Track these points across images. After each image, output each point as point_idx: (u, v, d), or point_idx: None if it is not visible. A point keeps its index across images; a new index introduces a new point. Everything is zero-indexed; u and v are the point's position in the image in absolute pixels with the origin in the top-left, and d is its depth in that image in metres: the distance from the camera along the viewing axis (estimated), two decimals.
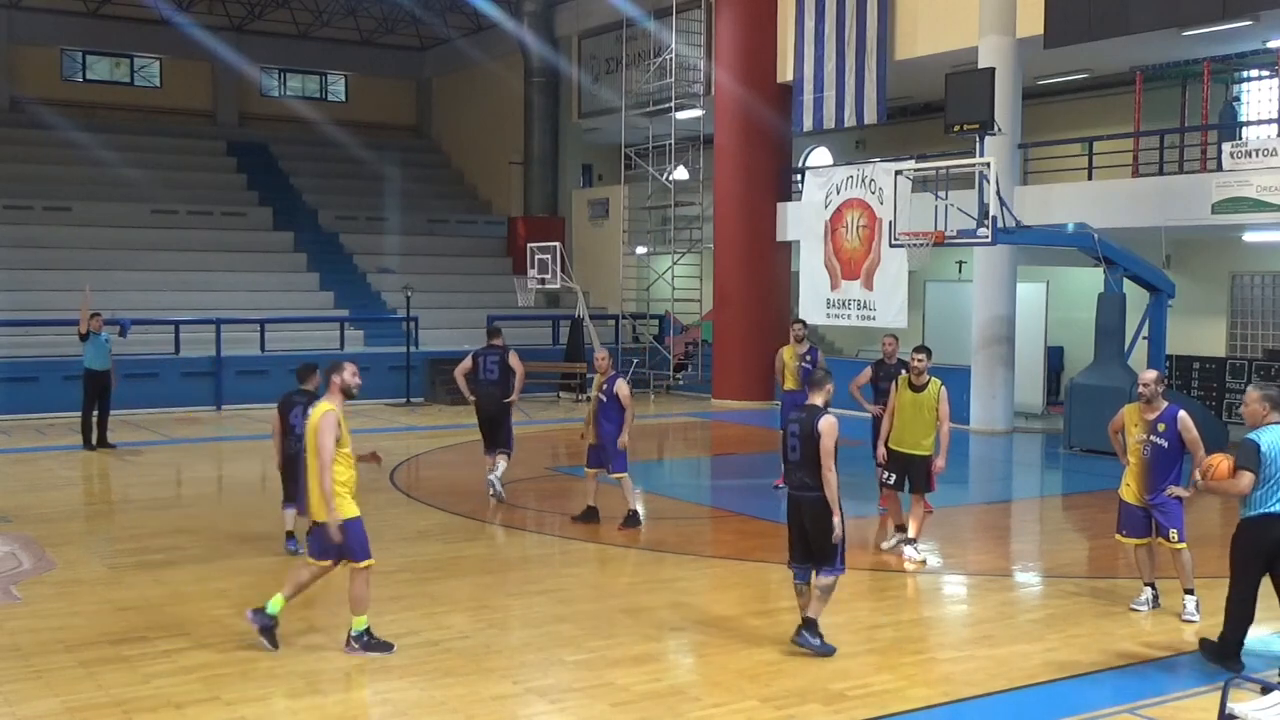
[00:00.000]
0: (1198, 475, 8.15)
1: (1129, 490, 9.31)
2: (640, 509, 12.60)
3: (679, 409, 24.17)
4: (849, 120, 22.62)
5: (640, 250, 28.65)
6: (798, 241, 23.18)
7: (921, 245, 17.37)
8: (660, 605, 9.55)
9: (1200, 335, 22.22)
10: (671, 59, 26.15)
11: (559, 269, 24.05)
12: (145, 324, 22.03)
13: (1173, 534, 9.13)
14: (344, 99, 38.34)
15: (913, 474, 11.19)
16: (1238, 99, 23.14)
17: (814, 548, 8.27)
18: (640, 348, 27.26)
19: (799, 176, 25.12)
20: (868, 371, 13.32)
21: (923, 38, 21.37)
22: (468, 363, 13.81)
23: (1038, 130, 22.65)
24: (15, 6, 32.08)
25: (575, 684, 7.73)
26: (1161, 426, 9.06)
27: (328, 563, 8.26)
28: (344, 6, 34.56)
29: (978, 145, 17.28)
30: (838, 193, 21.50)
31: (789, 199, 24.62)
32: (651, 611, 9.36)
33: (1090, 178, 20.88)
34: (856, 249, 21.06)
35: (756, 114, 23.96)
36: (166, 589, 9.89)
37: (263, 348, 23.73)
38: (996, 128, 17.12)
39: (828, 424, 8.14)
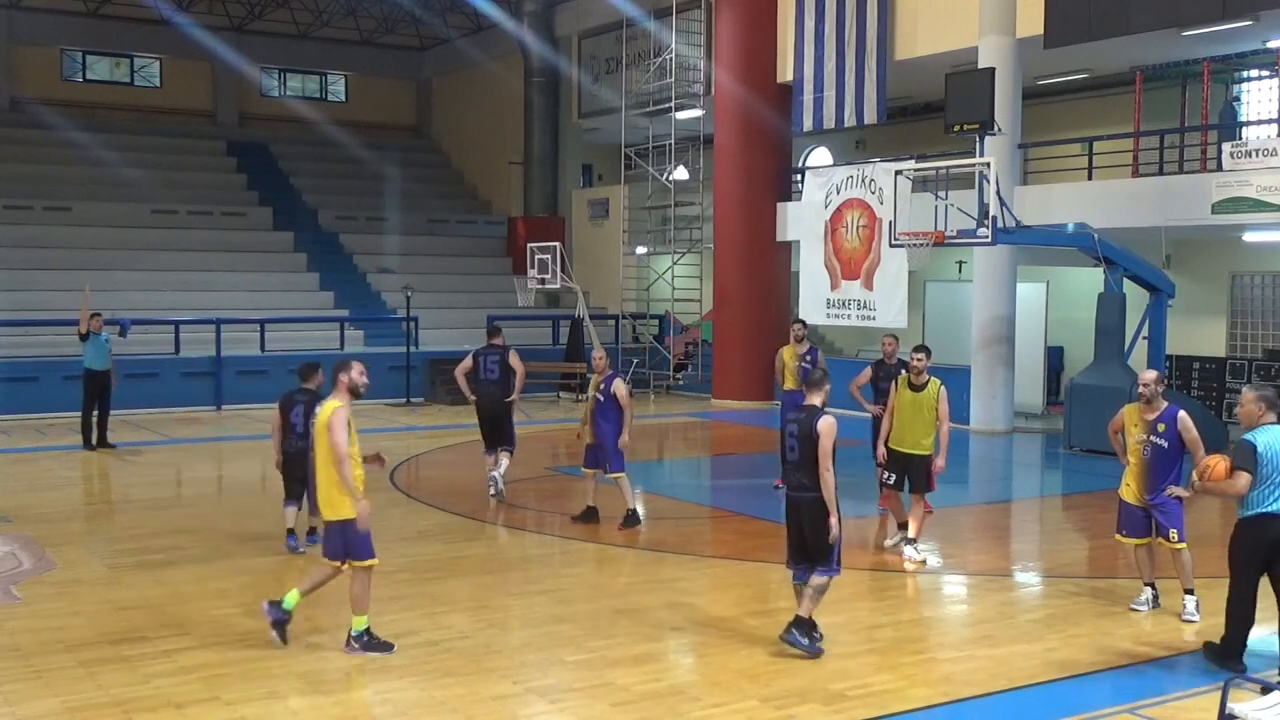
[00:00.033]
0: (1195, 476, 8.17)
1: (1129, 490, 9.31)
2: (639, 508, 12.59)
3: (679, 409, 24.17)
4: (849, 120, 22.62)
5: (640, 250, 28.65)
6: (798, 241, 23.18)
7: (921, 245, 17.37)
8: (660, 605, 9.55)
9: (1200, 335, 22.23)
10: (671, 59, 26.15)
11: (559, 269, 24.05)
12: (145, 324, 22.03)
13: (1173, 534, 9.14)
14: (344, 99, 38.34)
15: (912, 474, 11.19)
16: (1238, 99, 23.14)
17: (810, 548, 8.28)
18: (640, 348, 27.25)
19: (799, 176, 25.12)
20: (868, 371, 13.32)
21: (923, 38, 21.37)
22: (468, 362, 13.82)
23: (1038, 130, 22.65)
24: (15, 6, 32.09)
25: (575, 684, 7.73)
26: (1161, 427, 9.07)
27: (338, 563, 8.27)
28: (344, 6, 34.56)
29: (978, 145, 17.28)
30: (838, 193, 21.50)
31: (789, 199, 24.62)
32: (651, 611, 9.36)
33: (1090, 178, 20.88)
34: (856, 249, 21.06)
35: (756, 114, 23.96)
36: (166, 589, 9.89)
37: (263, 348, 23.73)
38: (996, 128, 17.12)
39: (826, 425, 8.14)
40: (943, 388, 11.06)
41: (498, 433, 13.83)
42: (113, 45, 34.54)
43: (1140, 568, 9.49)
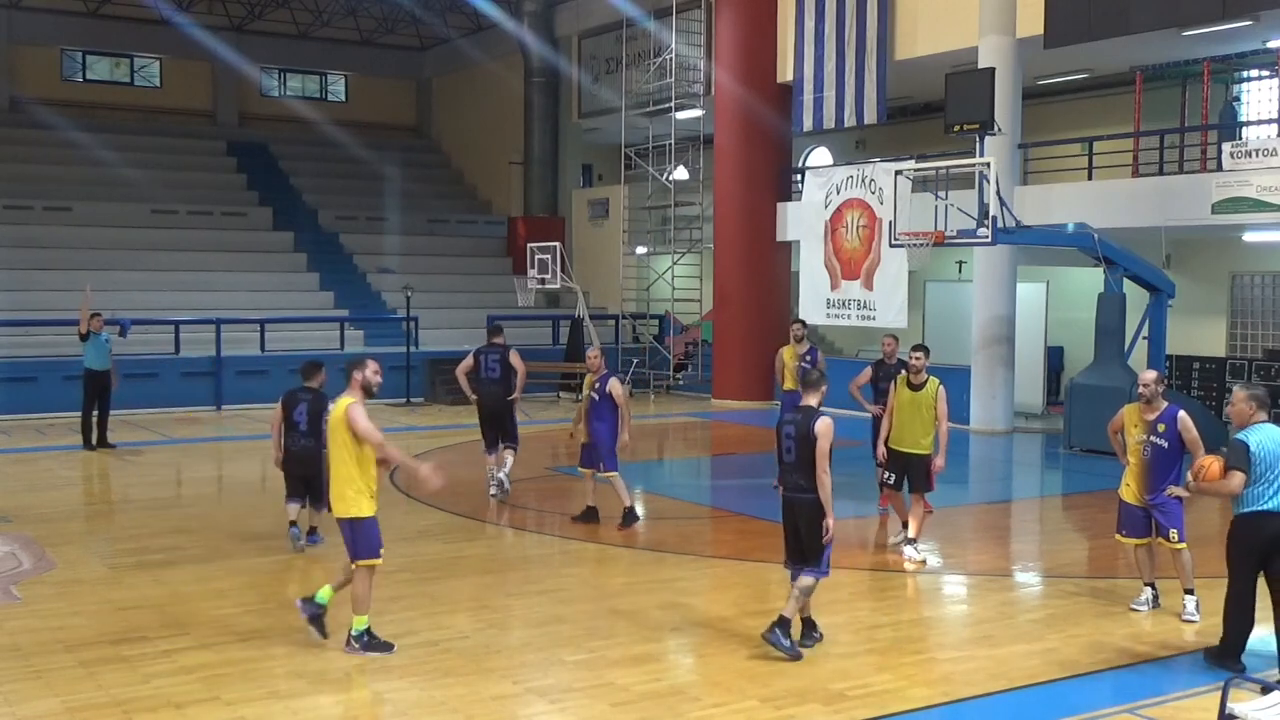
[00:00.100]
0: (1190, 477, 8.18)
1: (1129, 490, 9.32)
2: (637, 506, 12.58)
3: (679, 409, 24.17)
4: (849, 120, 22.62)
5: (640, 250, 28.65)
6: (798, 241, 23.18)
7: (921, 245, 17.37)
8: (660, 605, 9.54)
9: (1200, 335, 22.23)
10: (671, 59, 26.15)
11: (559, 269, 24.05)
12: (145, 324, 22.03)
13: (1173, 534, 9.14)
14: (344, 99, 38.34)
15: (912, 473, 11.19)
16: (1238, 99, 23.14)
17: (804, 548, 8.27)
18: (640, 348, 27.26)
19: (799, 176, 25.12)
20: (868, 371, 13.31)
21: (923, 38, 21.38)
22: (469, 361, 13.83)
23: (1038, 130, 22.65)
24: (15, 6, 32.08)
25: (575, 684, 7.73)
26: (1161, 427, 9.07)
27: (379, 559, 8.29)
28: (344, 6, 34.56)
29: (978, 145, 17.28)
30: (838, 193, 21.50)
31: (789, 199, 24.62)
32: (651, 611, 9.36)
33: (1090, 178, 20.88)
34: (856, 249, 21.06)
35: (756, 114, 23.96)
36: (166, 589, 9.89)
37: (263, 348, 23.73)
38: (996, 128, 17.12)
39: (824, 426, 8.14)
40: (941, 387, 11.06)
41: (500, 431, 13.84)
42: (113, 45, 34.54)
43: (1140, 568, 9.49)
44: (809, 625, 8.48)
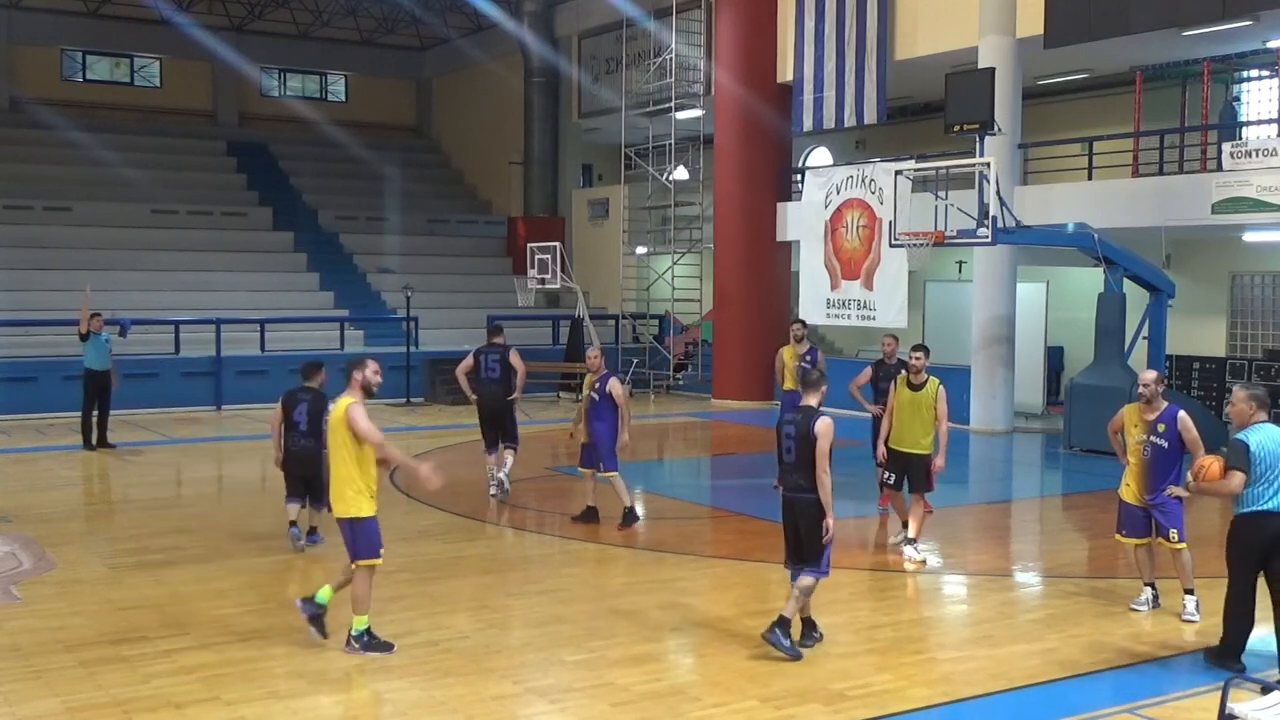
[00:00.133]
0: (1190, 477, 8.19)
1: (1129, 490, 9.32)
2: (637, 506, 12.57)
3: (679, 409, 24.17)
4: (849, 120, 22.62)
5: (640, 250, 28.65)
6: (798, 241, 23.18)
7: (921, 245, 17.37)
8: (660, 605, 9.54)
9: (1200, 335, 22.23)
10: (671, 59, 26.15)
11: (559, 269, 24.05)
12: (145, 324, 22.03)
13: (1173, 534, 9.14)
14: (344, 99, 38.34)
15: (912, 473, 11.19)
16: (1238, 99, 23.14)
17: (803, 547, 8.27)
18: (640, 348, 27.26)
19: (799, 176, 25.12)
20: (868, 371, 13.32)
21: (923, 38, 21.37)
22: (469, 361, 13.83)
23: (1038, 130, 22.65)
24: (15, 6, 32.08)
25: (575, 684, 7.73)
26: (1161, 427, 9.07)
27: (379, 560, 8.27)
28: (344, 6, 34.56)
29: (978, 145, 17.28)
30: (838, 193, 21.50)
31: (789, 199, 24.62)
32: (651, 611, 9.36)
33: (1090, 178, 20.88)
34: (856, 249, 21.06)
35: (756, 114, 23.95)
36: (166, 589, 9.89)
37: (263, 348, 23.73)
38: (996, 128, 17.12)
39: (824, 426, 8.13)
40: (941, 387, 11.07)
41: (501, 431, 13.84)
42: (113, 45, 34.53)
43: (1140, 568, 9.49)
44: (809, 625, 8.48)
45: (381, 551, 8.27)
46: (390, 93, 38.55)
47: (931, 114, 24.56)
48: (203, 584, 10.05)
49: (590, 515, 12.50)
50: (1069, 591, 10.21)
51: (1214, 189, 17.73)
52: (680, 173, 27.61)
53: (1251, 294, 22.82)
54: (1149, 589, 9.47)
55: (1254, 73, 22.39)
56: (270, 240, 29.87)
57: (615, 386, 12.24)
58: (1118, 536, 9.49)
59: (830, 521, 8.15)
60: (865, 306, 20.93)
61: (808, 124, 23.36)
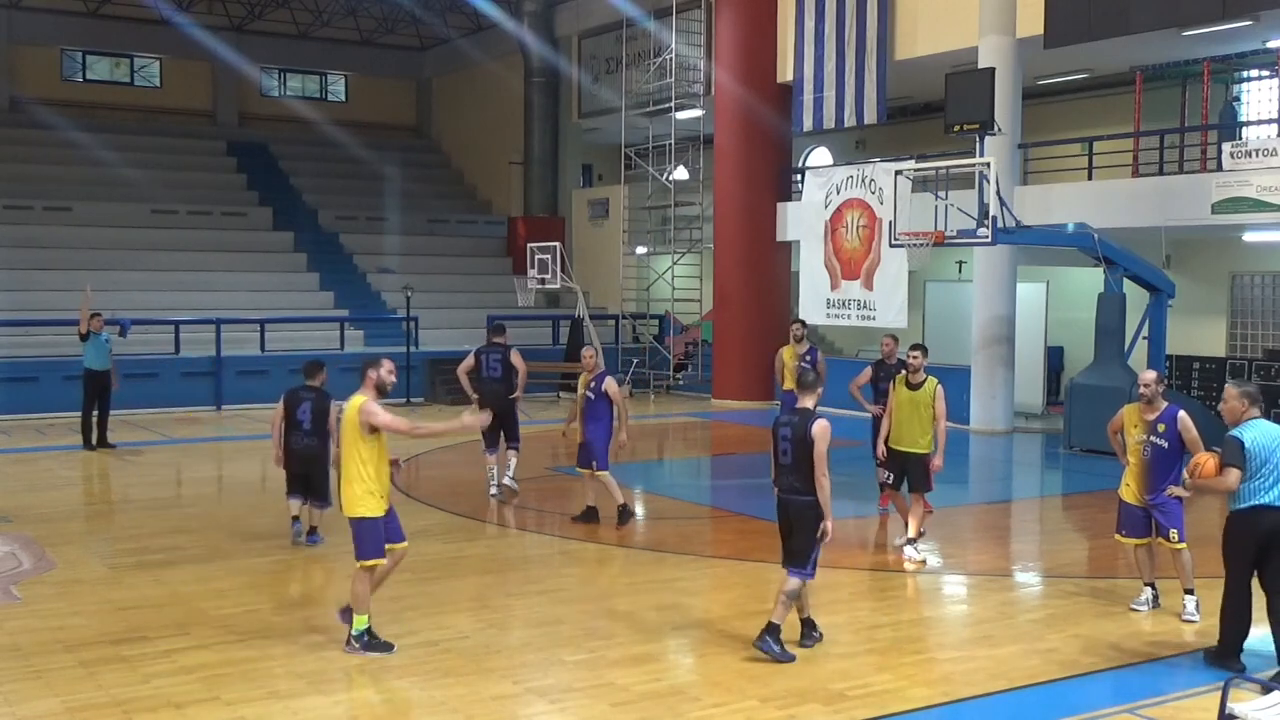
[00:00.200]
0: (1186, 475, 8.19)
1: (1129, 490, 9.32)
2: (636, 506, 12.57)
3: (679, 409, 24.17)
4: (849, 120, 22.62)
5: (640, 250, 28.65)
6: (798, 241, 23.19)
7: (921, 245, 17.37)
8: (660, 605, 9.54)
9: (1200, 335, 22.24)
10: (671, 59, 26.15)
11: (559, 269, 24.05)
12: (145, 324, 22.03)
13: (1173, 534, 9.14)
14: (344, 99, 38.33)
15: (911, 472, 11.19)
16: (1238, 99, 23.15)
17: (792, 547, 8.26)
18: (640, 348, 27.26)
19: (799, 176, 25.12)
20: (868, 371, 13.32)
21: (923, 38, 21.38)
22: (470, 361, 13.83)
23: (1038, 130, 22.65)
24: (15, 6, 32.08)
25: (575, 684, 7.73)
26: (1161, 427, 9.07)
27: (381, 559, 8.28)
28: (344, 6, 34.56)
29: (978, 145, 17.28)
30: (838, 193, 21.51)
31: (789, 199, 24.62)
32: (651, 611, 9.36)
33: (1090, 178, 20.88)
34: (856, 249, 21.07)
35: (756, 114, 23.96)
36: (166, 589, 9.90)
37: (263, 348, 23.73)
38: (996, 128, 17.12)
39: (821, 429, 8.12)
40: (940, 386, 11.07)
41: (503, 430, 13.84)
42: (113, 45, 34.53)
43: (1140, 568, 9.49)
44: (808, 625, 8.48)
45: (386, 549, 8.27)
46: (390, 93, 38.55)
47: (931, 114, 24.57)
48: (203, 584, 10.05)
49: (590, 515, 12.50)
50: (1069, 591, 10.21)
51: (1214, 189, 17.73)
52: (680, 173, 27.61)
53: (1251, 294, 22.83)
54: (1149, 589, 9.48)
55: (1254, 73, 22.39)
56: (270, 240, 29.87)
57: (611, 386, 12.25)
58: (1117, 536, 9.49)
59: (829, 525, 8.15)
60: (865, 306, 20.93)
61: (808, 124, 23.36)
